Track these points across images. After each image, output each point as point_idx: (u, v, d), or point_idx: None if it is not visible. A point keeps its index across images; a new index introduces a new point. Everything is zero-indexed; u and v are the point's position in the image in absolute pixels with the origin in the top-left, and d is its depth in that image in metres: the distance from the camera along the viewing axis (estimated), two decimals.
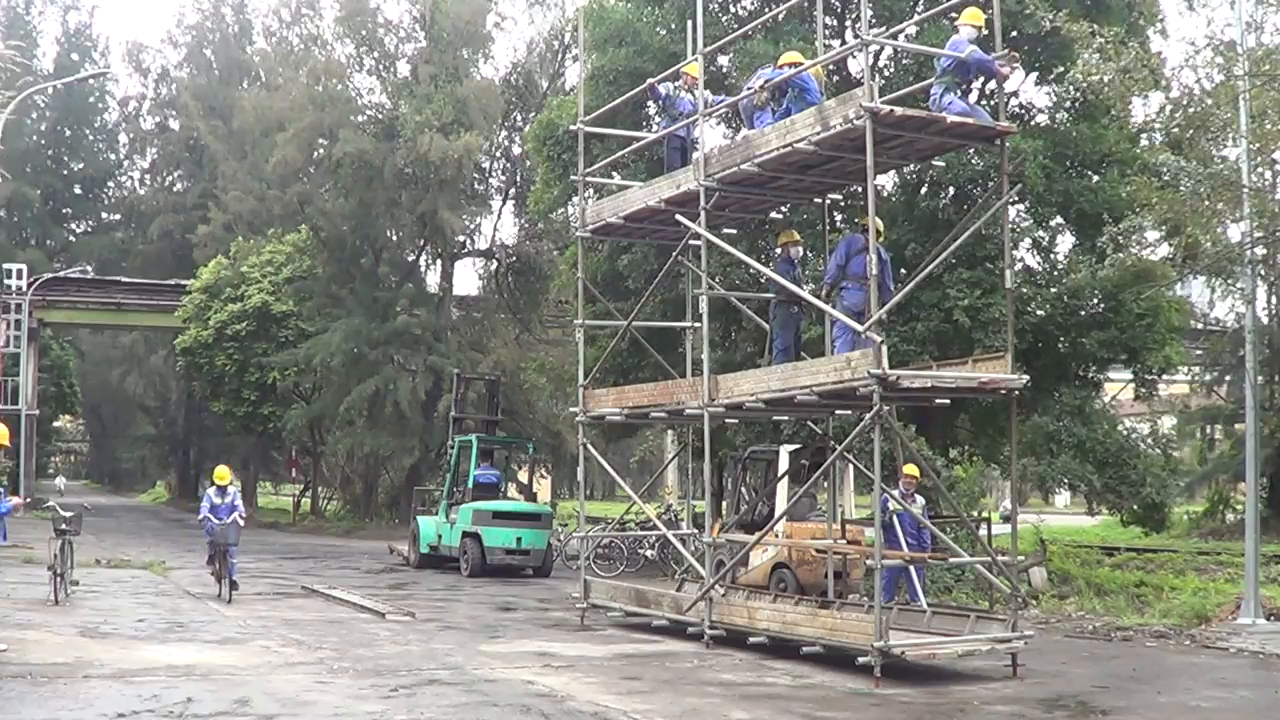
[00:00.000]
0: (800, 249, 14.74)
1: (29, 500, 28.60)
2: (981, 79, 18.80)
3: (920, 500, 14.64)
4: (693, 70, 14.86)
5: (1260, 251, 15.71)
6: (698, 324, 14.93)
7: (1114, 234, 14.75)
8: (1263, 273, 16.60)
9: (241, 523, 17.38)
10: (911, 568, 13.71)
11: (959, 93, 12.46)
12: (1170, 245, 16.57)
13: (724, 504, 20.14)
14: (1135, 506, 20.66)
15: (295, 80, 39.69)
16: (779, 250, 14.80)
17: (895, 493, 13.65)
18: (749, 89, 14.22)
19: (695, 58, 14.78)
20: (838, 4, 21.53)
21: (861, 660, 11.27)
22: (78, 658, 11.44)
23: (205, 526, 17.41)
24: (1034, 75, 20.62)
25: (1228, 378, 37.62)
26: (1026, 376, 12.79)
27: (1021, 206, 20.10)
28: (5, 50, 27.74)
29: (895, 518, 13.83)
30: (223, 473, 18.10)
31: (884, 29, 14.14)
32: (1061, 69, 19.28)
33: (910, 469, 14.32)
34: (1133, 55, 13.65)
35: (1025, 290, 19.87)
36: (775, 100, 13.80)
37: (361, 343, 35.85)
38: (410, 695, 10.08)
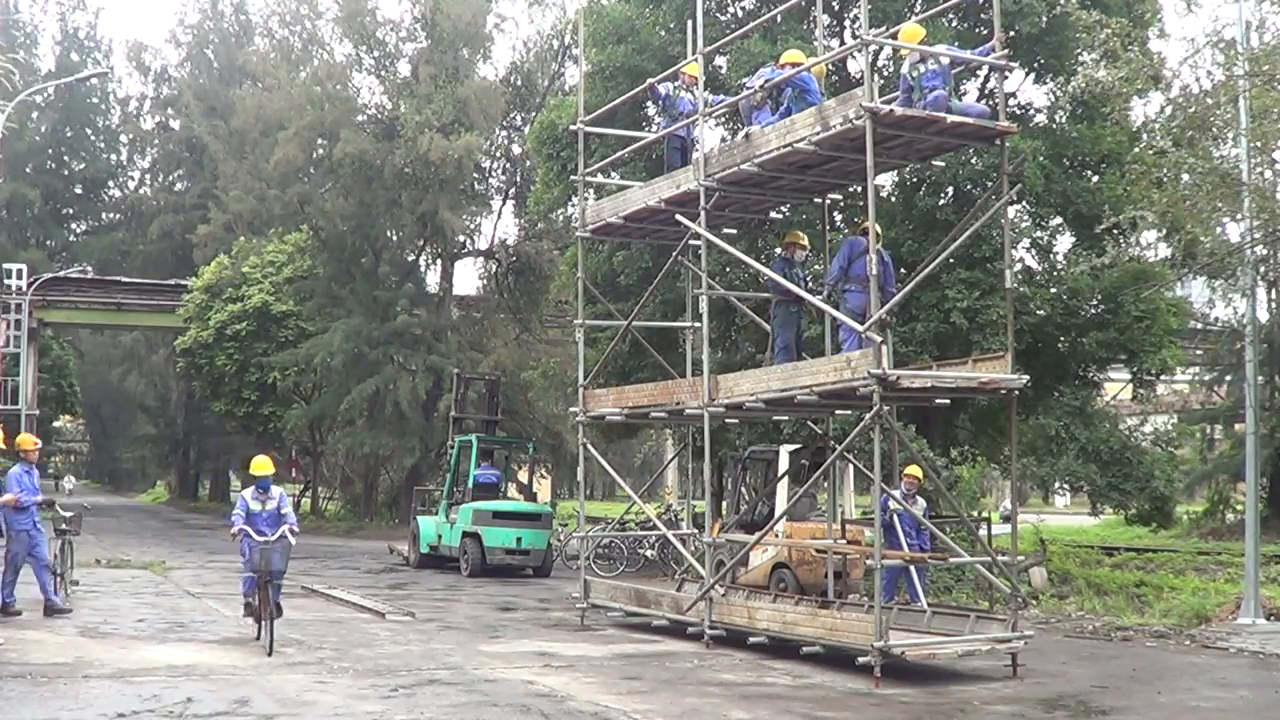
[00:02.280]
0: (804, 253, 14.72)
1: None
2: (981, 79, 18.82)
3: (922, 502, 14.63)
4: (692, 70, 14.87)
5: (1261, 250, 15.69)
6: (697, 324, 14.93)
7: (1112, 224, 14.69)
8: (1263, 271, 16.58)
9: (292, 540, 12.36)
10: (912, 568, 13.72)
11: (948, 91, 12.44)
12: (1169, 245, 16.55)
13: (724, 504, 20.13)
14: (1142, 504, 20.65)
15: (295, 80, 39.68)
16: (780, 250, 14.78)
17: (896, 493, 13.64)
18: (750, 88, 14.22)
19: (695, 58, 14.77)
20: (836, 4, 21.52)
21: (861, 660, 11.28)
22: (78, 658, 11.44)
23: (241, 545, 12.54)
24: (1032, 75, 20.60)
25: (1228, 378, 37.65)
26: (1026, 376, 12.79)
27: (1020, 206, 20.09)
28: (3, 64, 27.69)
29: (895, 518, 13.83)
30: (263, 463, 12.88)
31: (883, 29, 14.10)
32: (1061, 69, 19.28)
33: (912, 470, 14.31)
34: (1134, 54, 13.62)
35: (1025, 290, 19.88)
36: (774, 99, 13.80)
37: (361, 343, 35.83)
38: (410, 695, 10.08)
